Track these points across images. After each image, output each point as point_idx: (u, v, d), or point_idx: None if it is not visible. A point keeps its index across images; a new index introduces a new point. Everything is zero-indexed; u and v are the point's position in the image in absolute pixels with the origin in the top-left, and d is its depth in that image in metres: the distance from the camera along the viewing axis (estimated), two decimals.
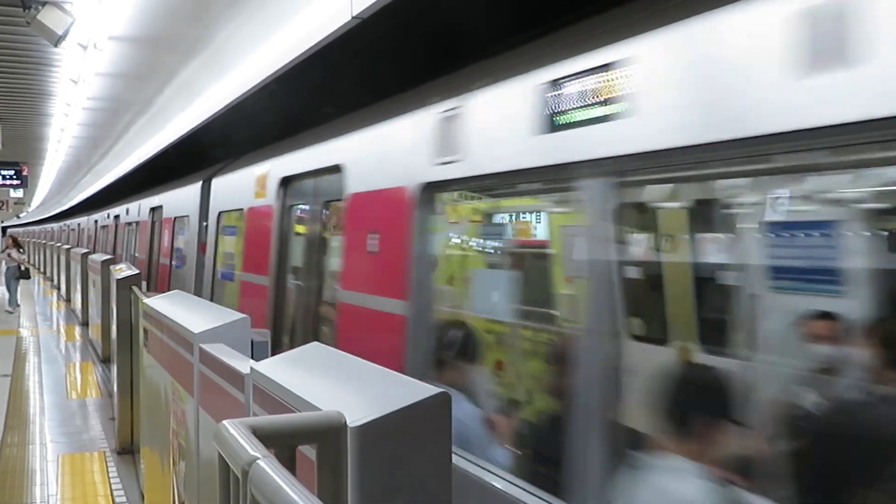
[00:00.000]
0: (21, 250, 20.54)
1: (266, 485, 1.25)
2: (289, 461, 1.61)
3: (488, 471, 3.35)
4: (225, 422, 1.56)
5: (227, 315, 3.58)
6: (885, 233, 3.82)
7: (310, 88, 6.28)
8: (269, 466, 1.30)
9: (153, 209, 13.20)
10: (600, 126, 2.76)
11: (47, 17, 6.50)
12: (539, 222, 5.03)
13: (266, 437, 1.50)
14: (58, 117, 13.38)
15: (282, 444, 1.59)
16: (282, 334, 6.15)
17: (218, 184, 8.90)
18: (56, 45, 7.05)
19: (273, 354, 2.70)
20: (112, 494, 5.87)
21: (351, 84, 5.86)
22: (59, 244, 25.59)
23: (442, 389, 1.80)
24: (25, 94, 11.99)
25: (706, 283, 4.60)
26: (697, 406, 2.64)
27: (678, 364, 4.21)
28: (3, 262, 22.57)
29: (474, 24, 4.07)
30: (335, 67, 5.62)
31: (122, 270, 7.80)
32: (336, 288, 5.05)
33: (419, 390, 1.81)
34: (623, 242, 3.27)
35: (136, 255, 14.58)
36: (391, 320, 4.15)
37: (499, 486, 3.23)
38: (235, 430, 1.50)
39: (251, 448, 1.40)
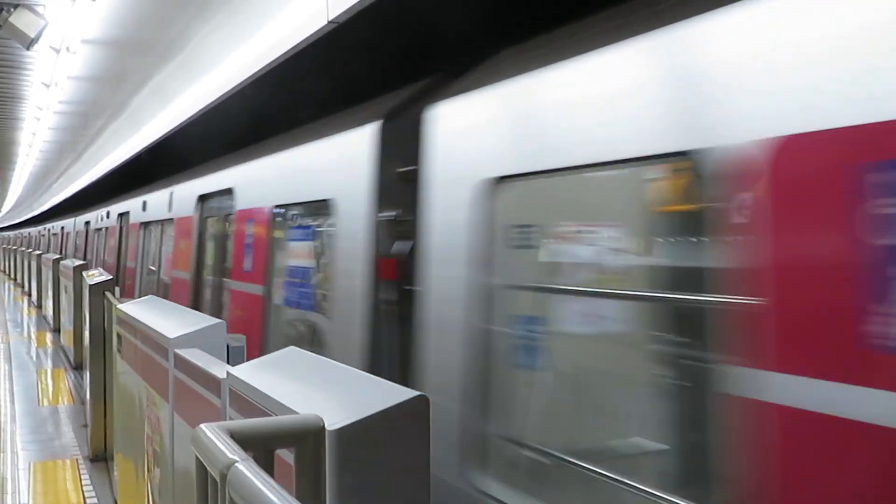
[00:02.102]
0: None
1: (245, 487, 1.25)
2: (267, 465, 1.61)
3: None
4: (202, 425, 1.55)
5: (203, 320, 3.57)
6: None
7: (285, 92, 6.26)
8: (248, 469, 1.30)
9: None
10: None
11: (19, 19, 6.42)
12: None
13: (244, 441, 1.50)
14: (29, 121, 13.21)
15: (260, 447, 1.59)
16: None
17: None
18: (28, 48, 6.96)
19: None
20: (85, 502, 5.80)
21: (326, 88, 5.85)
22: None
23: (420, 393, 1.81)
24: None
25: None
26: None
27: None
28: None
29: (451, 29, 4.08)
30: (311, 71, 5.60)
31: (95, 276, 7.71)
32: None
33: (397, 393, 1.81)
34: None
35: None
36: None
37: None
38: (213, 434, 1.49)
39: (229, 451, 1.39)
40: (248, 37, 5.79)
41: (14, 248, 34.77)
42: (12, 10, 6.35)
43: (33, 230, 36.68)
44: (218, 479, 1.35)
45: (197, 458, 1.52)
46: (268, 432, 1.64)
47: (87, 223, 17.64)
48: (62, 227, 23.99)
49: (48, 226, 29.44)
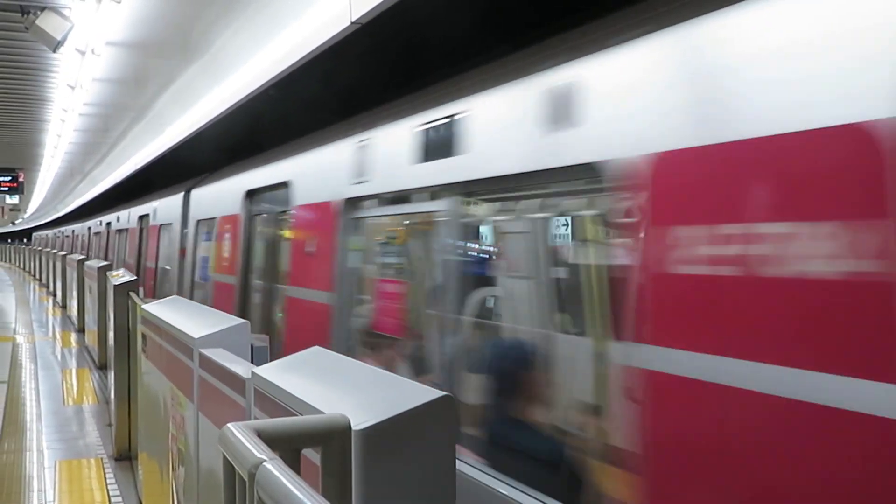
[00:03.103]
0: None
1: (274, 487, 1.25)
2: (293, 464, 1.61)
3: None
4: (230, 425, 1.56)
5: (227, 320, 3.58)
6: None
7: (306, 93, 6.28)
8: (276, 469, 1.30)
9: None
10: None
11: (46, 22, 6.50)
12: None
13: (271, 440, 1.50)
14: (54, 123, 13.36)
15: (287, 447, 1.59)
16: None
17: None
18: (54, 51, 7.05)
19: None
20: (110, 501, 5.85)
21: (347, 90, 5.87)
22: None
23: (446, 393, 1.80)
24: (22, 99, 11.99)
25: None
26: None
27: None
28: None
29: (472, 30, 4.08)
30: (331, 73, 5.62)
31: (119, 276, 7.78)
32: None
33: (423, 393, 1.81)
34: None
35: None
36: None
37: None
38: (240, 433, 1.49)
39: (258, 451, 1.40)
40: (269, 39, 5.82)
41: (40, 249, 34.60)
42: (39, 12, 6.43)
43: (79, 227, 26.98)
44: (246, 479, 1.36)
45: (224, 457, 1.52)
46: (294, 432, 1.64)
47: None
48: (145, 215, 13.56)
49: (104, 218, 19.66)
